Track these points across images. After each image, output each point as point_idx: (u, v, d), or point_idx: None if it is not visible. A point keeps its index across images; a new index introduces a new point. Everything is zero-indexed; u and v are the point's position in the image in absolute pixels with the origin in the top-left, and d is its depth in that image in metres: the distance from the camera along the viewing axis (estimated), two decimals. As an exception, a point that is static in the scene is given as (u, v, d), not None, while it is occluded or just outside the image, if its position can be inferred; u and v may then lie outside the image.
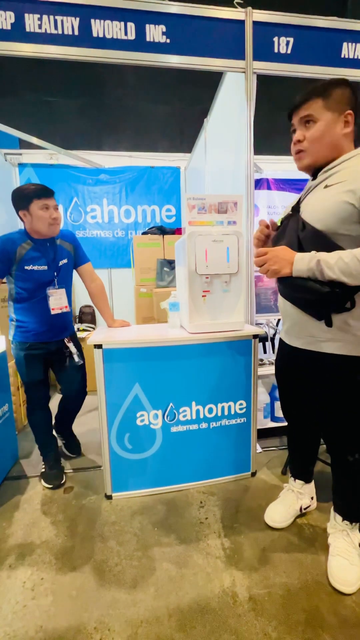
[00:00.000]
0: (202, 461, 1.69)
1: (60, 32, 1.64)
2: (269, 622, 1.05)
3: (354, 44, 1.91)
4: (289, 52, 1.85)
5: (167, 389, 1.60)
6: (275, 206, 3.34)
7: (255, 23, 1.80)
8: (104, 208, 3.74)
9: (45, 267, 1.62)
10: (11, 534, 1.43)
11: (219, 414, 1.67)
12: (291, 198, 1.29)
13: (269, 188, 3.35)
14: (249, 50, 1.81)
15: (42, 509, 1.57)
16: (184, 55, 1.77)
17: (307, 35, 1.85)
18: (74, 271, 1.83)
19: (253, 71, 1.83)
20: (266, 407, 2.15)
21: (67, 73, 3.50)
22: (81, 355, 1.81)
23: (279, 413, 2.11)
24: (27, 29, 1.61)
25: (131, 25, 1.69)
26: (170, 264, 3.08)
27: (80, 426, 2.01)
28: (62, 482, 1.74)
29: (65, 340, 1.74)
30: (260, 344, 2.30)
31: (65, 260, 1.70)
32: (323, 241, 1.00)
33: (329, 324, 1.03)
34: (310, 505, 1.48)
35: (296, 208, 1.13)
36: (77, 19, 1.64)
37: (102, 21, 1.66)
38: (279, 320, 2.38)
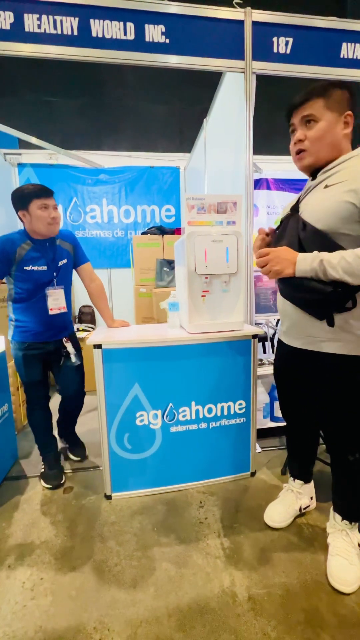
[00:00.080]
0: (201, 461, 1.69)
1: (59, 32, 1.63)
2: (269, 621, 1.05)
3: (353, 44, 1.91)
4: (288, 52, 1.86)
5: (166, 389, 1.60)
6: (275, 206, 3.34)
7: (254, 23, 1.80)
8: (103, 208, 3.74)
9: (45, 268, 1.62)
10: (11, 534, 1.43)
11: (219, 414, 1.67)
12: (290, 198, 1.29)
13: (268, 188, 3.35)
14: (248, 51, 1.81)
15: (41, 509, 1.57)
16: (184, 55, 1.77)
17: (307, 35, 1.85)
18: (74, 271, 1.83)
19: (252, 71, 1.83)
20: (266, 407, 2.15)
21: (66, 73, 3.50)
22: (79, 355, 1.81)
23: (278, 413, 2.11)
24: (27, 29, 1.61)
25: (130, 25, 1.69)
26: (170, 264, 3.08)
27: (80, 426, 2.01)
28: (62, 482, 1.74)
29: (64, 340, 1.73)
30: (260, 344, 2.31)
31: (64, 261, 1.70)
32: (324, 241, 1.01)
33: (331, 323, 1.03)
34: (309, 505, 1.48)
35: (295, 208, 1.14)
36: (77, 19, 1.64)
37: (101, 21, 1.66)
38: (278, 320, 2.37)
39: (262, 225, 3.29)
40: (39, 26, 1.62)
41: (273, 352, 2.32)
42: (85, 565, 1.27)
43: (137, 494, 1.63)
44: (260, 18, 1.81)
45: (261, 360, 2.15)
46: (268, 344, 2.37)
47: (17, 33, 1.61)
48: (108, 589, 1.18)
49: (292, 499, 1.46)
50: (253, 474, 1.77)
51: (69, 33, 1.65)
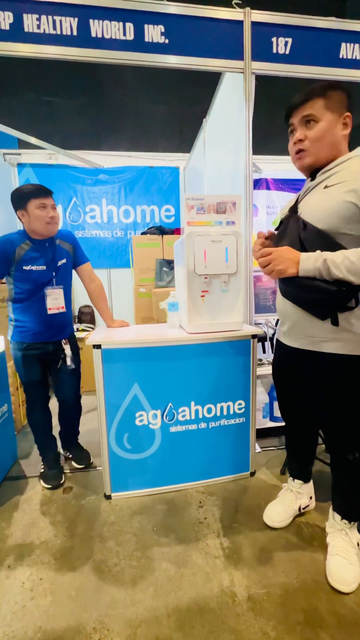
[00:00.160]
0: (201, 461, 1.69)
1: (58, 32, 1.63)
2: (268, 621, 1.05)
3: (352, 44, 1.91)
4: (287, 52, 1.86)
5: (166, 389, 1.60)
6: (274, 206, 3.35)
7: (253, 23, 1.80)
8: (103, 208, 3.74)
9: (44, 267, 1.62)
10: (10, 534, 1.43)
11: (218, 413, 1.67)
12: (290, 198, 1.29)
13: (268, 188, 3.36)
14: (248, 51, 1.81)
15: (41, 509, 1.57)
16: (183, 55, 1.77)
17: (306, 35, 1.86)
18: (74, 271, 1.83)
19: (252, 71, 1.83)
20: (265, 407, 2.15)
21: (66, 73, 3.49)
22: (76, 359, 1.80)
23: (277, 413, 2.11)
24: (26, 29, 1.61)
25: (130, 26, 1.69)
26: (170, 264, 3.08)
27: (80, 426, 2.00)
28: (61, 482, 1.74)
29: (63, 342, 1.73)
30: (260, 344, 2.31)
31: (64, 260, 1.70)
32: (326, 240, 1.01)
33: (336, 322, 1.03)
34: (309, 505, 1.48)
35: (294, 209, 1.14)
36: (76, 19, 1.64)
37: (100, 21, 1.66)
38: (278, 320, 2.38)
39: (262, 225, 3.30)
40: (38, 26, 1.62)
41: (273, 352, 2.32)
42: (85, 566, 1.27)
43: (136, 494, 1.63)
44: (259, 18, 1.81)
45: (261, 360, 2.15)
46: (268, 343, 2.37)
47: (16, 33, 1.61)
48: (107, 589, 1.18)
49: (291, 499, 1.46)
50: (252, 474, 1.77)
51: (68, 33, 1.65)
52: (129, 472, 1.62)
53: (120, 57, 1.71)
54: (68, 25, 1.64)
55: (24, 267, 1.58)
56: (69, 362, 1.74)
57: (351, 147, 1.10)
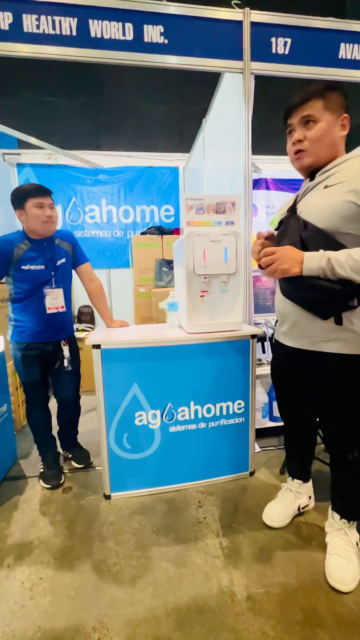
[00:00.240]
0: (200, 461, 1.69)
1: (58, 32, 1.64)
2: (267, 621, 1.05)
3: (351, 44, 1.91)
4: (286, 52, 1.86)
5: (165, 389, 1.60)
6: (274, 206, 3.35)
7: (253, 24, 1.80)
8: (102, 208, 3.74)
9: (43, 267, 1.62)
10: (10, 534, 1.43)
11: (217, 413, 1.67)
12: (289, 198, 1.30)
13: (267, 188, 3.36)
14: (247, 51, 1.81)
15: (40, 509, 1.57)
16: (182, 55, 1.77)
17: (305, 35, 1.86)
18: (73, 272, 1.83)
19: (251, 72, 1.83)
20: (264, 407, 2.16)
21: (65, 73, 3.49)
22: (76, 360, 1.80)
23: (277, 413, 2.11)
24: (25, 29, 1.61)
25: (129, 26, 1.69)
26: (169, 264, 3.08)
27: (79, 426, 2.00)
28: (61, 482, 1.74)
29: (62, 342, 1.73)
30: (259, 344, 2.31)
31: (63, 260, 1.70)
32: (327, 240, 1.01)
33: (340, 322, 1.03)
34: (308, 505, 1.48)
35: (293, 209, 1.14)
36: (75, 19, 1.64)
37: (100, 21, 1.66)
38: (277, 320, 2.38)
39: (261, 225, 3.31)
40: (38, 26, 1.62)
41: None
42: (84, 565, 1.27)
43: (136, 494, 1.63)
44: (258, 19, 1.81)
45: (260, 360, 2.15)
46: (267, 343, 2.37)
47: (15, 33, 1.61)
48: (107, 588, 1.18)
49: (290, 499, 1.46)
50: (252, 474, 1.77)
51: (68, 33, 1.65)
52: (129, 472, 1.62)
53: (120, 58, 1.71)
54: (67, 25, 1.64)
55: (23, 267, 1.58)
56: (66, 364, 1.74)
57: (348, 149, 1.11)
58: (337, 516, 1.25)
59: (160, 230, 3.32)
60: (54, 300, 1.66)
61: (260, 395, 2.14)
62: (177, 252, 1.76)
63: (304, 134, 1.08)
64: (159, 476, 1.66)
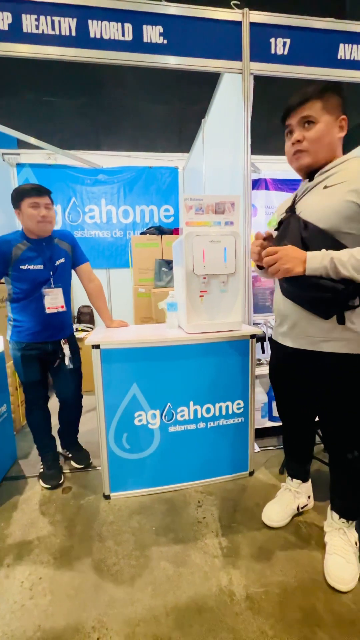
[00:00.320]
0: (200, 461, 1.69)
1: (57, 32, 1.64)
2: (266, 620, 1.06)
3: (350, 45, 1.92)
4: (285, 53, 1.86)
5: (165, 389, 1.60)
6: (273, 206, 3.35)
7: (252, 24, 1.80)
8: (102, 208, 3.74)
9: (41, 267, 1.62)
10: (9, 534, 1.43)
11: (217, 413, 1.67)
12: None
13: (267, 188, 3.36)
14: (246, 52, 1.81)
15: (40, 509, 1.57)
16: (181, 56, 1.77)
17: (304, 36, 1.86)
18: (73, 272, 1.84)
19: (250, 72, 1.84)
20: (264, 407, 2.16)
21: (65, 73, 3.49)
22: (76, 358, 1.80)
23: (276, 412, 2.12)
24: (25, 30, 1.61)
25: (128, 26, 1.69)
26: (169, 264, 3.09)
27: (79, 426, 2.00)
28: (61, 482, 1.74)
29: (62, 342, 1.74)
30: (259, 344, 2.31)
31: (62, 260, 1.71)
32: (328, 240, 1.01)
33: (342, 321, 1.03)
34: (307, 504, 1.49)
35: (292, 209, 1.14)
36: (74, 19, 1.64)
37: (99, 22, 1.66)
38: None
39: (261, 225, 3.31)
40: (37, 27, 1.62)
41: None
42: (84, 565, 1.27)
43: (135, 494, 1.64)
44: (257, 19, 1.81)
45: (259, 360, 2.15)
46: (267, 343, 2.37)
47: (15, 34, 1.61)
48: (106, 588, 1.18)
49: (289, 498, 1.47)
50: (251, 474, 1.78)
51: (67, 34, 1.65)
52: (128, 472, 1.62)
53: (119, 58, 1.72)
54: (67, 25, 1.64)
55: (21, 267, 1.58)
56: (67, 362, 1.74)
57: (348, 150, 1.11)
58: (336, 516, 1.26)
59: (160, 231, 3.32)
60: (53, 300, 1.66)
61: (260, 395, 2.14)
62: (176, 252, 1.77)
63: (303, 134, 1.08)
64: (158, 476, 1.66)
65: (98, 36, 1.68)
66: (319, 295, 1.02)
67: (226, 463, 1.73)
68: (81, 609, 1.11)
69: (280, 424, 2.07)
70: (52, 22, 1.63)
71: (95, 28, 1.67)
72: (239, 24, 1.80)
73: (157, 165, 3.82)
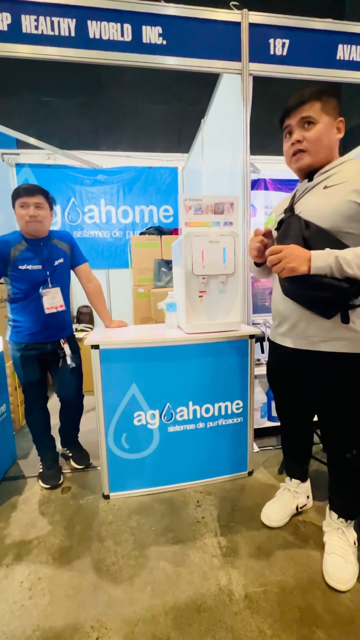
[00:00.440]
0: (199, 461, 1.70)
1: (56, 33, 1.64)
2: (265, 619, 1.06)
3: (349, 45, 1.92)
4: (284, 53, 1.87)
5: (164, 389, 1.60)
6: (272, 206, 3.34)
7: (251, 25, 1.81)
8: (101, 208, 3.75)
9: (40, 267, 1.62)
10: (8, 534, 1.43)
11: (216, 413, 1.67)
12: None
13: (266, 188, 3.36)
14: (245, 52, 1.82)
15: (39, 509, 1.57)
16: (181, 56, 1.77)
17: (303, 37, 1.87)
18: (72, 272, 1.84)
19: (249, 73, 1.84)
20: (263, 407, 2.16)
21: (64, 73, 3.50)
22: (77, 357, 1.80)
23: (275, 412, 2.12)
24: (24, 30, 1.62)
25: (127, 27, 1.70)
26: (168, 264, 3.09)
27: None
28: (60, 482, 1.74)
29: (62, 341, 1.74)
30: (258, 344, 2.31)
31: (60, 260, 1.71)
32: (330, 239, 1.02)
33: (346, 320, 1.03)
34: (306, 504, 1.49)
35: (291, 209, 1.14)
36: (74, 20, 1.64)
37: (98, 22, 1.67)
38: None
39: (260, 225, 3.30)
40: (37, 27, 1.62)
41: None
42: (83, 565, 1.27)
43: (134, 494, 1.64)
44: (257, 20, 1.82)
45: (259, 360, 2.16)
46: (266, 343, 2.37)
47: (14, 34, 1.61)
48: (105, 588, 1.18)
49: (288, 498, 1.47)
50: (250, 474, 1.78)
51: (67, 34, 1.65)
52: (127, 472, 1.63)
53: (118, 58, 1.72)
54: (66, 26, 1.65)
55: (20, 267, 1.59)
56: (68, 360, 1.74)
57: (347, 150, 1.12)
58: (334, 515, 1.26)
59: (159, 231, 3.33)
60: (51, 299, 1.66)
61: (259, 395, 2.14)
62: (175, 253, 1.77)
63: (302, 135, 1.09)
64: (157, 476, 1.66)
65: (97, 37, 1.68)
66: (323, 295, 1.02)
67: (225, 463, 1.74)
68: (80, 608, 1.11)
69: (279, 424, 2.08)
70: (52, 22, 1.63)
71: (95, 28, 1.67)
72: (238, 24, 1.80)
73: (157, 165, 3.82)
